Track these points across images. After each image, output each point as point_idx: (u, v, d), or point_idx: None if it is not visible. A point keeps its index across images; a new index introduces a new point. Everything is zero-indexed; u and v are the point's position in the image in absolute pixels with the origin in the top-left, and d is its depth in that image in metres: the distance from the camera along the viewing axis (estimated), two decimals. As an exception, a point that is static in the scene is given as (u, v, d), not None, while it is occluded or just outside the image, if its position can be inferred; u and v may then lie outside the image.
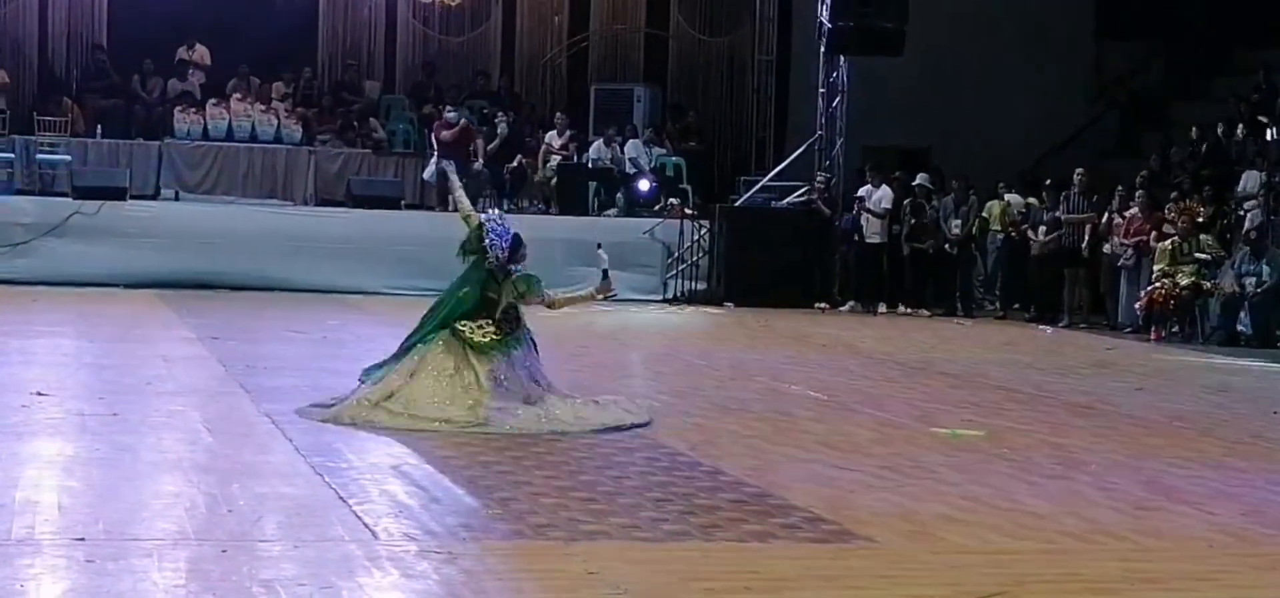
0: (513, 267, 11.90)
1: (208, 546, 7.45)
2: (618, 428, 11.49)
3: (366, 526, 8.01)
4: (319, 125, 28.44)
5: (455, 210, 12.56)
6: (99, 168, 26.18)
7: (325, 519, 8.17)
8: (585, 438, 11.09)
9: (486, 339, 11.69)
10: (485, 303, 11.81)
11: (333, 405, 11.69)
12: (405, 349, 11.89)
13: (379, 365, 11.98)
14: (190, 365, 14.94)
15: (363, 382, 11.93)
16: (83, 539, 7.42)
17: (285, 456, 10.04)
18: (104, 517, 7.97)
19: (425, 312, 12.11)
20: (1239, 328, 21.41)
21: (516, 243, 11.89)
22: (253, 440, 10.63)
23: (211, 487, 8.84)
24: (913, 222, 25.16)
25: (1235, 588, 7.54)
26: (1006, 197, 25.37)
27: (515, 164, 27.32)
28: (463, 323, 11.74)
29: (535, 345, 12.05)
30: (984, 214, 25.14)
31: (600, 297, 12.72)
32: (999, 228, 25.13)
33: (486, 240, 11.83)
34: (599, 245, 13.00)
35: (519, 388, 11.64)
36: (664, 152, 28.40)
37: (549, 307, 12.13)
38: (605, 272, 12.51)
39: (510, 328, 11.80)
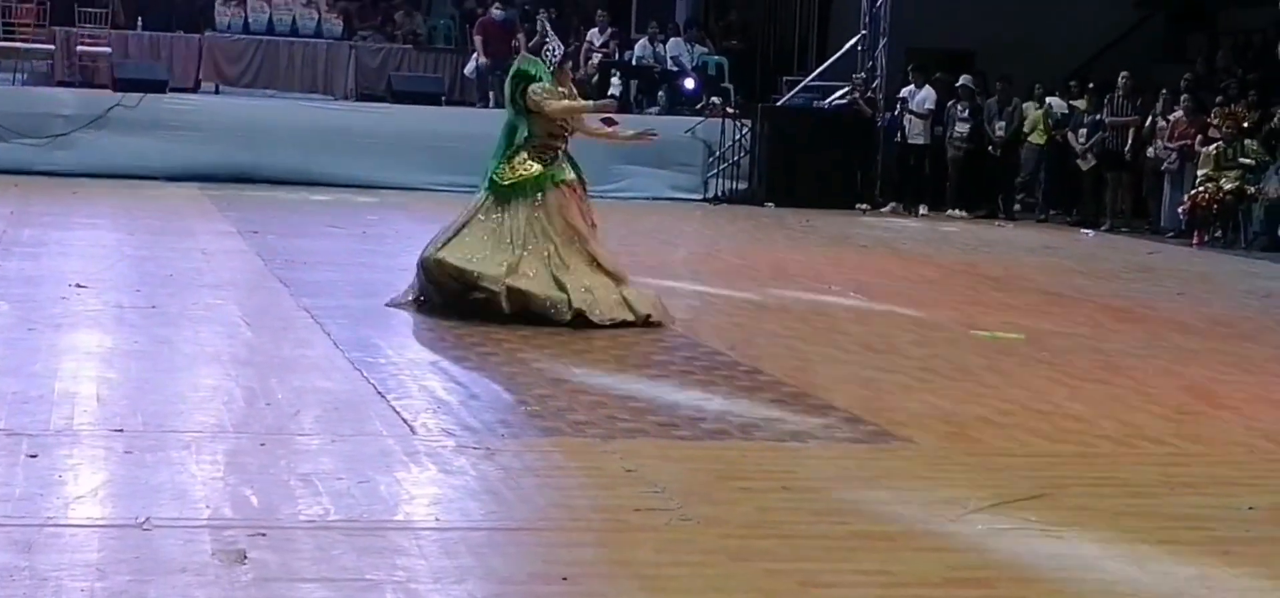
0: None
1: (245, 438, 7.47)
2: (644, 322, 11.46)
3: (404, 420, 8.02)
4: (360, 20, 28.36)
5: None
6: (139, 60, 26.21)
7: (363, 414, 8.18)
8: (626, 334, 11.06)
9: (516, 178, 11.65)
10: (512, 137, 11.80)
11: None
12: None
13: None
14: (229, 259, 14.96)
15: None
16: (121, 431, 7.45)
17: (324, 350, 10.06)
18: (142, 409, 8.00)
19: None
20: (1279, 234, 21.25)
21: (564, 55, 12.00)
22: (291, 334, 10.65)
23: (250, 380, 8.86)
24: (970, 123, 24.97)
25: (1274, 493, 7.50)
26: (1048, 101, 25.18)
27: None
28: (496, 171, 11.72)
29: (583, 183, 11.98)
30: (1023, 118, 24.98)
31: (618, 132, 12.61)
32: (1040, 132, 24.95)
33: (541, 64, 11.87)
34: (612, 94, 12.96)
35: (559, 232, 11.59)
36: (706, 50, 28.25)
37: (540, 112, 11.69)
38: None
39: (549, 158, 11.73)
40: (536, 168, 11.65)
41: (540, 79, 11.74)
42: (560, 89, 11.90)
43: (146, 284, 12.67)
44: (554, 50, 12.16)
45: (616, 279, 11.68)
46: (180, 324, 10.82)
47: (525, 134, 11.76)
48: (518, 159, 11.69)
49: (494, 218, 11.64)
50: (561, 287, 11.36)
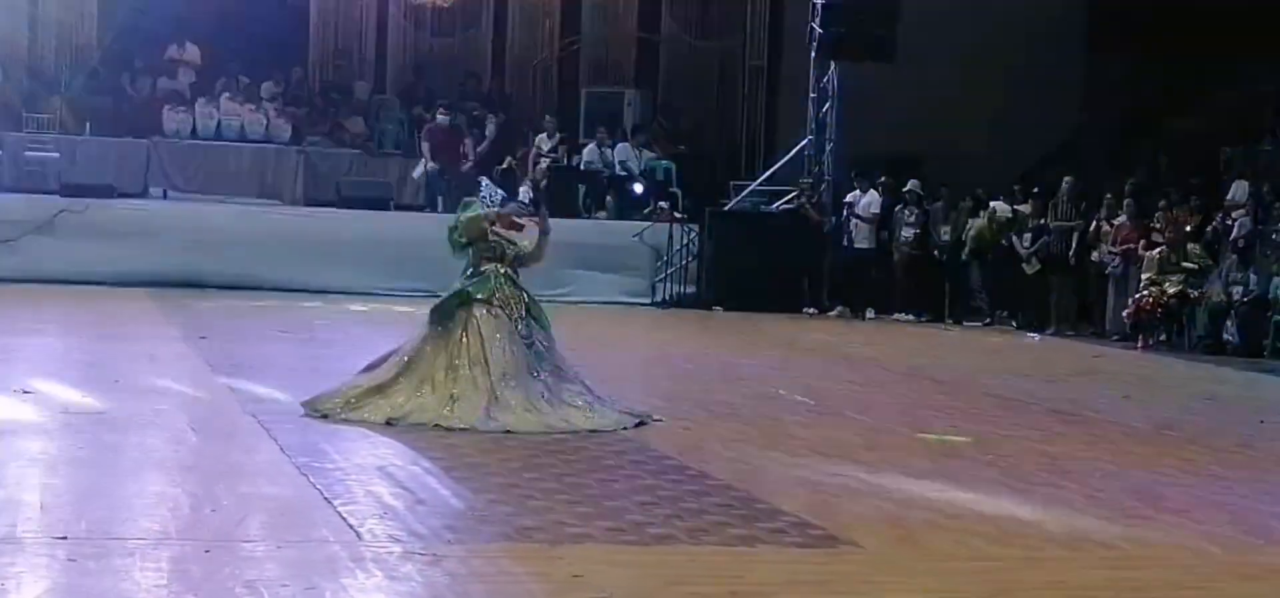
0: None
1: (191, 546, 7.42)
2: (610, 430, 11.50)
3: (351, 527, 7.98)
4: (308, 126, 28.38)
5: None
6: (87, 166, 26.10)
7: (310, 520, 8.15)
8: (573, 440, 11.06)
9: (440, 300, 11.77)
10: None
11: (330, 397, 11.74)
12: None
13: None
14: (176, 364, 14.89)
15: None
16: (65, 538, 7.39)
17: (270, 456, 10.02)
18: (87, 516, 7.94)
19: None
20: (1225, 337, 21.41)
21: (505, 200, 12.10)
22: (238, 441, 10.60)
23: (195, 487, 8.82)
24: (916, 228, 25.12)
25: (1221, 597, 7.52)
26: (992, 205, 25.37)
27: (504, 166, 27.26)
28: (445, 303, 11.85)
29: (523, 301, 12.03)
30: (968, 223, 25.13)
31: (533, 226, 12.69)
32: (983, 235, 25.12)
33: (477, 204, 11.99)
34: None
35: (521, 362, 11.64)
36: (654, 155, 28.35)
37: (486, 239, 11.89)
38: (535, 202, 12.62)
39: (476, 281, 11.81)
40: (456, 286, 11.80)
41: (470, 212, 11.94)
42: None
43: (93, 390, 12.60)
44: (491, 196, 12.30)
45: (532, 409, 11.66)
46: (126, 430, 10.76)
47: (467, 267, 11.92)
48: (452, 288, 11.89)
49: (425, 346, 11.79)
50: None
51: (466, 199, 12.42)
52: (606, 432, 11.42)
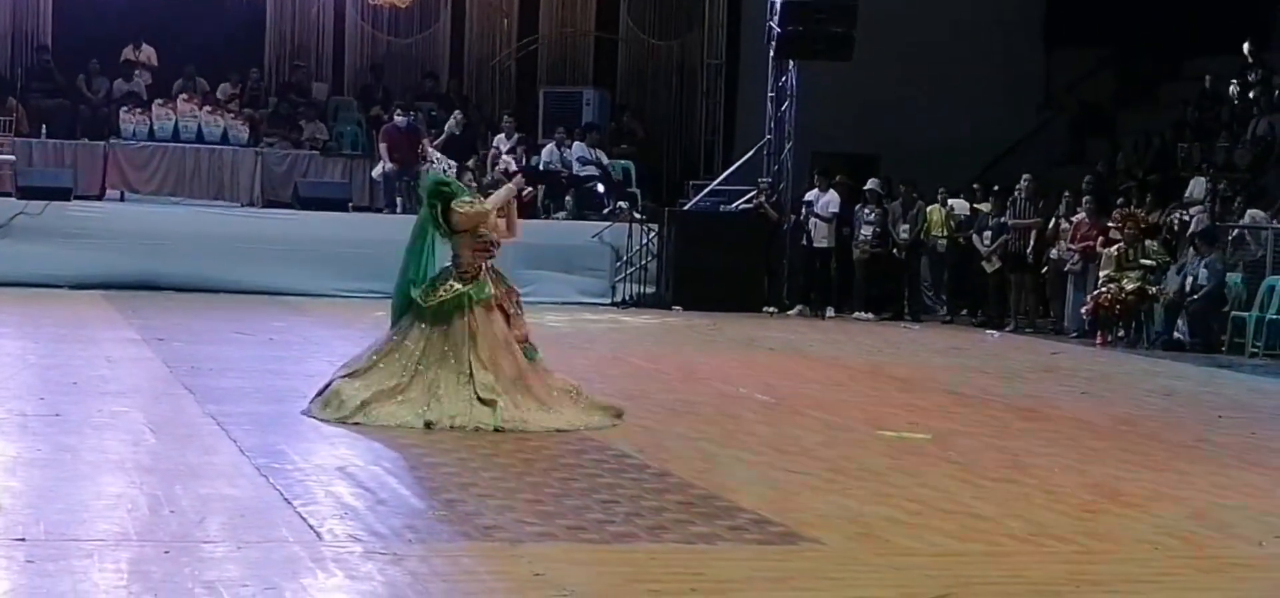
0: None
1: (150, 547, 7.39)
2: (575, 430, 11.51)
3: (311, 527, 7.96)
4: (266, 127, 28.30)
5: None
6: (44, 168, 25.99)
7: (269, 521, 8.12)
8: (533, 439, 11.05)
9: (438, 301, 11.66)
10: (422, 257, 11.85)
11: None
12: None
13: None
14: (134, 366, 14.84)
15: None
16: (23, 540, 7.36)
17: (229, 457, 9.98)
18: (45, 518, 7.90)
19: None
20: (1177, 335, 21.51)
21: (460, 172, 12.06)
22: (197, 441, 10.55)
23: (154, 488, 8.78)
24: (876, 226, 25.17)
25: (1180, 591, 7.56)
26: (949, 202, 25.47)
27: (468, 165, 27.23)
28: (420, 295, 11.73)
29: (513, 293, 12.03)
30: (924, 221, 25.21)
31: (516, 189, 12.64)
32: (941, 234, 25.23)
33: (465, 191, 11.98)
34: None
35: (483, 353, 11.60)
36: (604, 155, 28.29)
37: (470, 226, 11.79)
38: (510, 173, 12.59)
39: (470, 278, 11.74)
40: (458, 287, 11.67)
41: (459, 194, 11.82)
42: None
43: (50, 392, 12.54)
44: (446, 168, 12.28)
45: (542, 403, 11.69)
46: (84, 432, 10.71)
47: (453, 255, 11.79)
48: (444, 285, 11.71)
49: (407, 342, 11.71)
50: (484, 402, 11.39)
51: (438, 177, 12.26)
52: (571, 432, 11.40)
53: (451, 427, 11.17)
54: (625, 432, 11.66)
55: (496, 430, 11.11)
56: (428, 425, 11.17)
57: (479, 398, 11.38)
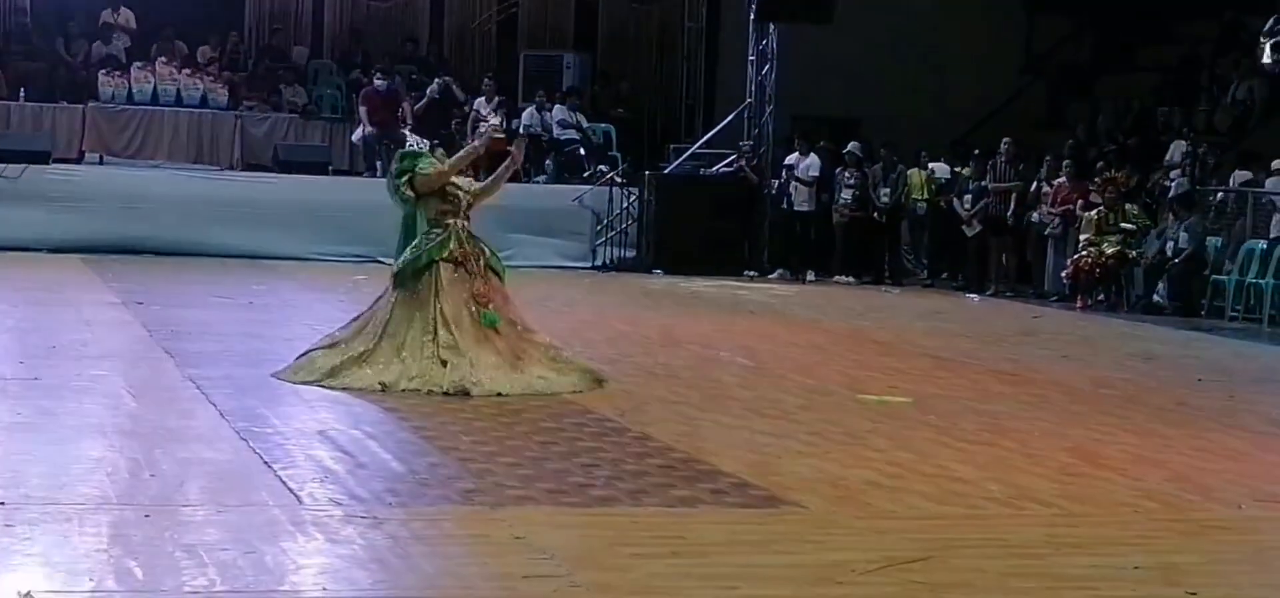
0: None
1: (130, 510, 7.38)
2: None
3: (291, 491, 7.95)
4: (245, 90, 28.20)
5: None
6: (22, 131, 25.87)
7: (249, 484, 8.11)
8: (513, 402, 11.04)
9: (402, 264, 11.72)
10: (411, 232, 11.87)
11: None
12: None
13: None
14: (114, 330, 14.80)
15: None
16: (2, 504, 7.33)
17: (209, 421, 9.97)
18: (24, 481, 7.88)
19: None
20: (1156, 298, 21.56)
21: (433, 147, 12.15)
22: (176, 405, 10.54)
23: (134, 451, 8.76)
24: (856, 190, 25.15)
25: (1160, 553, 7.57)
26: (930, 166, 25.49)
27: (449, 128, 27.15)
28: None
29: (484, 255, 12.01)
30: (904, 185, 25.23)
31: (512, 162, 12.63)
32: (921, 197, 25.26)
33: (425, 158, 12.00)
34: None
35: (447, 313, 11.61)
36: (585, 119, 28.21)
37: (429, 188, 11.86)
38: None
39: (436, 236, 11.74)
40: (424, 247, 11.71)
41: (421, 167, 11.84)
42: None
43: (29, 356, 12.51)
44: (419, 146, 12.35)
45: (515, 359, 11.68)
46: (63, 396, 10.68)
47: (424, 224, 11.81)
48: (412, 247, 11.76)
49: (377, 309, 11.78)
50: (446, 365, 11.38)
51: (404, 151, 12.36)
52: (551, 396, 11.39)
53: (404, 390, 11.17)
54: (606, 396, 11.65)
55: (446, 395, 11.09)
56: (382, 386, 11.19)
57: (440, 359, 11.39)
